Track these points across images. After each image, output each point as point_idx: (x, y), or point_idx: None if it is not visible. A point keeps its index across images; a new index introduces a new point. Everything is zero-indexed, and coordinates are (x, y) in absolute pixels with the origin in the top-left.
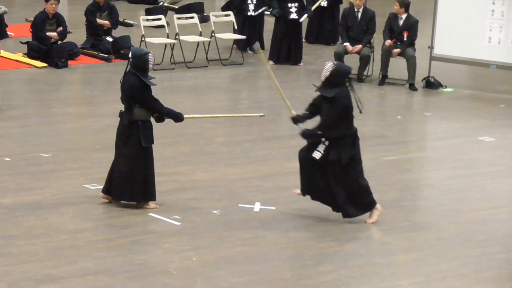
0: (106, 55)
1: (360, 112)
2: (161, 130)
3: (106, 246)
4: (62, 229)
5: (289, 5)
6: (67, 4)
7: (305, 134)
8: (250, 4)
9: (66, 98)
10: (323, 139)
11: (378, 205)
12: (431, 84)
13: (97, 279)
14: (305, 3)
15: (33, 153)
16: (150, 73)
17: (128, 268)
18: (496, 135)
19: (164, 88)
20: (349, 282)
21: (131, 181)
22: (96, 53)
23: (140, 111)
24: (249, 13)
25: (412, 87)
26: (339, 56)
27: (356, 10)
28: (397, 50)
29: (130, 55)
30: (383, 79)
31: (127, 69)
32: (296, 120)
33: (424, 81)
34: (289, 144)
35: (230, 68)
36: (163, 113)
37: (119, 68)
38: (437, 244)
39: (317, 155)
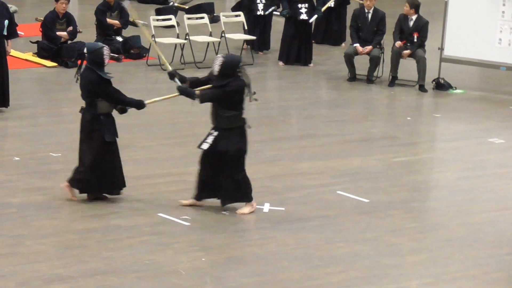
0: (116, 55)
1: (250, 101)
2: (170, 130)
3: (115, 246)
4: (71, 228)
5: (299, 5)
6: (77, 3)
7: (180, 89)
8: (259, 3)
9: (76, 98)
10: (212, 131)
11: (253, 202)
12: (441, 86)
13: (106, 279)
14: (315, 3)
15: (43, 152)
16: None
17: (137, 268)
18: (506, 137)
19: (174, 88)
20: (357, 283)
21: (98, 174)
22: None
23: (104, 104)
24: (258, 13)
25: (422, 88)
26: (349, 57)
27: (366, 11)
28: (407, 51)
29: (85, 50)
30: (393, 80)
31: (83, 66)
32: (173, 75)
33: (434, 82)
34: (299, 145)
35: None
36: (126, 103)
37: (129, 68)
38: (446, 245)
39: (205, 146)
